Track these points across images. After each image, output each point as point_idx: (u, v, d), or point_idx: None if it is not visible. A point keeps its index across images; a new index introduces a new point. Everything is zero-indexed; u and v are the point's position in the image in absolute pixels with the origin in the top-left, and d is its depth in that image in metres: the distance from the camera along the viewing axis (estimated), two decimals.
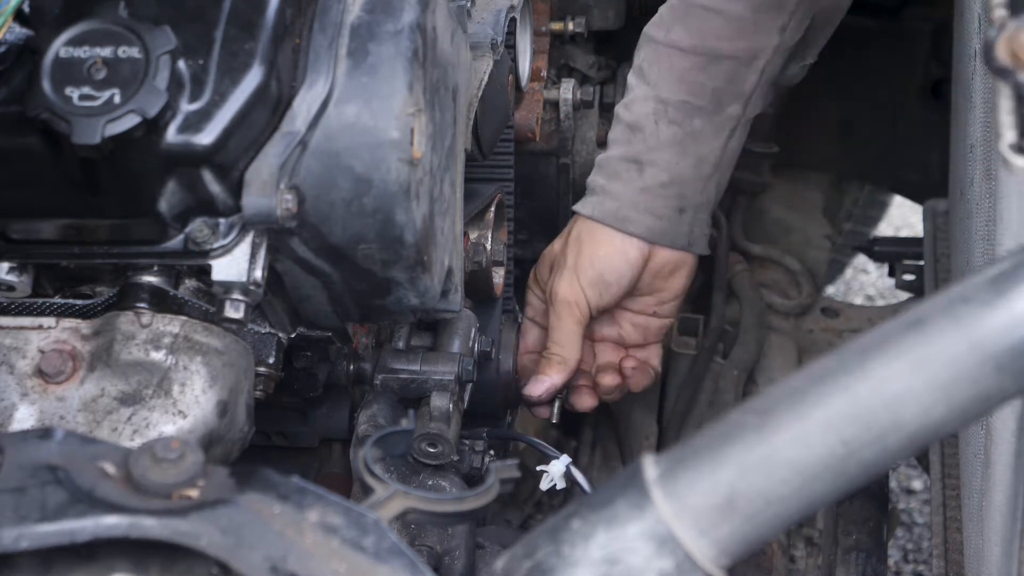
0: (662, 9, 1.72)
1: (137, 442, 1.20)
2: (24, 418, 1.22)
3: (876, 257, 2.41)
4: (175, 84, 1.16)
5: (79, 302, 1.28)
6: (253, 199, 1.19)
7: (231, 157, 1.19)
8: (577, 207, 1.75)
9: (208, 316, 1.26)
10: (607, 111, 1.98)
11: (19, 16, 1.19)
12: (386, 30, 1.24)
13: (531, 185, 1.97)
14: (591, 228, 1.73)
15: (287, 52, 1.22)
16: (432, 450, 1.50)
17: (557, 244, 1.78)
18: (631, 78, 1.74)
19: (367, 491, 1.07)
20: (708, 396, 2.05)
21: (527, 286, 1.82)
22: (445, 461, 1.51)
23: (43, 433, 1.06)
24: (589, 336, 1.79)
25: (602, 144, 1.99)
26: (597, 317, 1.77)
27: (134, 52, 1.16)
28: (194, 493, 1.01)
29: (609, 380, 1.78)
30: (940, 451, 1.79)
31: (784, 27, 1.67)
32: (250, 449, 1.31)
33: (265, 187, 1.19)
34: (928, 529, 2.56)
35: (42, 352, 1.24)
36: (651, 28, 1.72)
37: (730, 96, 1.69)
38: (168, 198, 1.20)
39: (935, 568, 1.69)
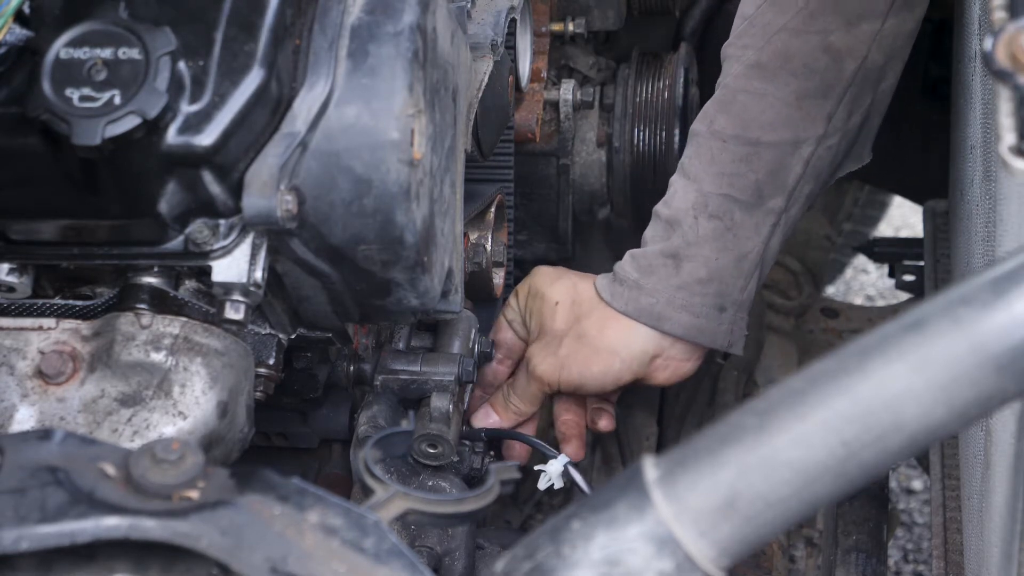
0: (707, 103, 1.66)
1: (137, 443, 1.20)
2: (24, 419, 1.22)
3: (876, 257, 2.41)
4: (175, 85, 1.16)
5: (79, 303, 1.28)
6: (253, 200, 1.19)
7: (231, 158, 1.19)
8: (606, 296, 1.64)
9: (208, 317, 1.26)
10: (607, 112, 1.98)
11: (19, 17, 1.19)
12: (386, 31, 1.24)
13: (531, 186, 1.97)
14: (605, 317, 1.63)
15: (287, 53, 1.22)
16: (432, 451, 1.50)
17: (559, 294, 1.67)
18: (673, 177, 1.66)
19: (367, 492, 1.07)
20: (708, 396, 2.06)
21: (507, 302, 1.72)
22: (445, 462, 1.51)
23: (43, 434, 1.07)
24: None
25: (601, 145, 1.99)
26: None
27: (134, 53, 1.16)
28: (194, 494, 1.01)
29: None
30: (940, 452, 1.79)
31: (831, 115, 1.60)
32: (250, 450, 1.31)
33: (265, 188, 1.19)
34: (928, 529, 2.56)
35: (42, 353, 1.24)
36: (696, 123, 1.65)
37: (772, 188, 1.61)
38: (168, 199, 1.20)
39: (935, 569, 1.69)
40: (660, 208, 1.65)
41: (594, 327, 1.65)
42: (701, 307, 1.61)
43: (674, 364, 1.66)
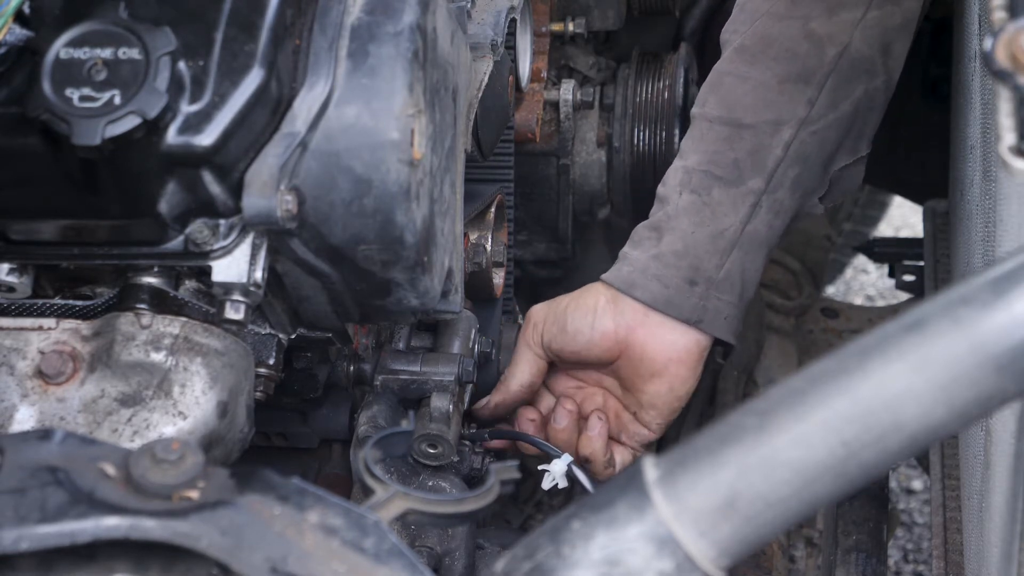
0: (702, 86, 1.70)
1: (137, 443, 1.20)
2: (24, 419, 1.22)
3: (876, 257, 2.41)
4: (175, 85, 1.16)
5: (79, 303, 1.28)
6: (253, 200, 1.19)
7: (231, 158, 1.19)
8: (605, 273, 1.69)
9: (208, 317, 1.26)
10: (607, 112, 1.98)
11: (19, 17, 1.19)
12: (386, 31, 1.24)
13: (531, 186, 1.97)
14: (596, 287, 1.67)
15: (287, 53, 1.22)
16: (432, 451, 1.50)
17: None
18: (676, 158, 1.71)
19: (367, 492, 1.07)
20: (708, 396, 2.05)
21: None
22: (445, 462, 1.51)
23: (43, 434, 1.07)
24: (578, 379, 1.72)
25: (601, 145, 1.99)
26: (567, 369, 1.70)
27: (134, 53, 1.16)
28: (194, 494, 1.01)
29: (562, 419, 1.67)
30: (940, 452, 1.79)
31: (812, 100, 1.62)
32: (250, 450, 1.31)
33: (265, 188, 1.19)
34: (928, 529, 2.56)
35: (42, 353, 1.24)
36: (694, 107, 1.69)
37: (751, 168, 1.63)
38: (168, 199, 1.20)
39: (935, 569, 1.69)
40: (659, 187, 1.69)
41: (592, 286, 1.68)
42: (672, 278, 1.63)
43: (656, 333, 1.64)
